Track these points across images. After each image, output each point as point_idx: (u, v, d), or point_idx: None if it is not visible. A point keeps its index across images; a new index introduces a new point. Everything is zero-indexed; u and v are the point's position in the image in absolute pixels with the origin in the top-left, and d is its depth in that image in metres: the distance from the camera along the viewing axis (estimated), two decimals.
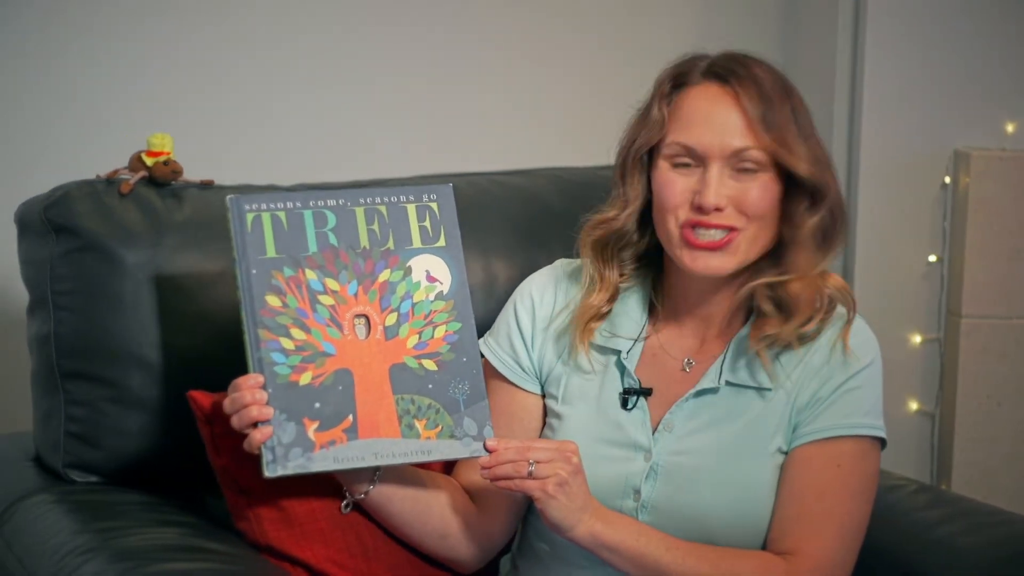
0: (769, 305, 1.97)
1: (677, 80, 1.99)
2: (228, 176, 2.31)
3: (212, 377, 2.05)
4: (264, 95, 3.05)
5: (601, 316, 2.06)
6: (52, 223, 2.15)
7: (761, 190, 1.94)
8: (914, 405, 3.46)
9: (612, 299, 2.06)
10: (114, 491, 2.16)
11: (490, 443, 1.89)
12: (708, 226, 1.94)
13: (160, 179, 2.23)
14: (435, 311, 1.94)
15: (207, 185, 2.28)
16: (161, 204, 2.20)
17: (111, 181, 2.21)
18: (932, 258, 3.43)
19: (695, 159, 1.95)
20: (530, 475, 1.85)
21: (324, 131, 3.11)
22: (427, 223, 1.95)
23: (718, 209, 1.93)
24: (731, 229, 1.94)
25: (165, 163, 2.23)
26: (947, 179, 3.40)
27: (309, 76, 3.08)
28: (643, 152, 2.00)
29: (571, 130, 3.25)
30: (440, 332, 1.93)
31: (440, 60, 3.21)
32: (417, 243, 1.94)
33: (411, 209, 1.95)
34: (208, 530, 2.04)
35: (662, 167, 1.98)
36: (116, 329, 2.14)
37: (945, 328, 3.43)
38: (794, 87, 2.00)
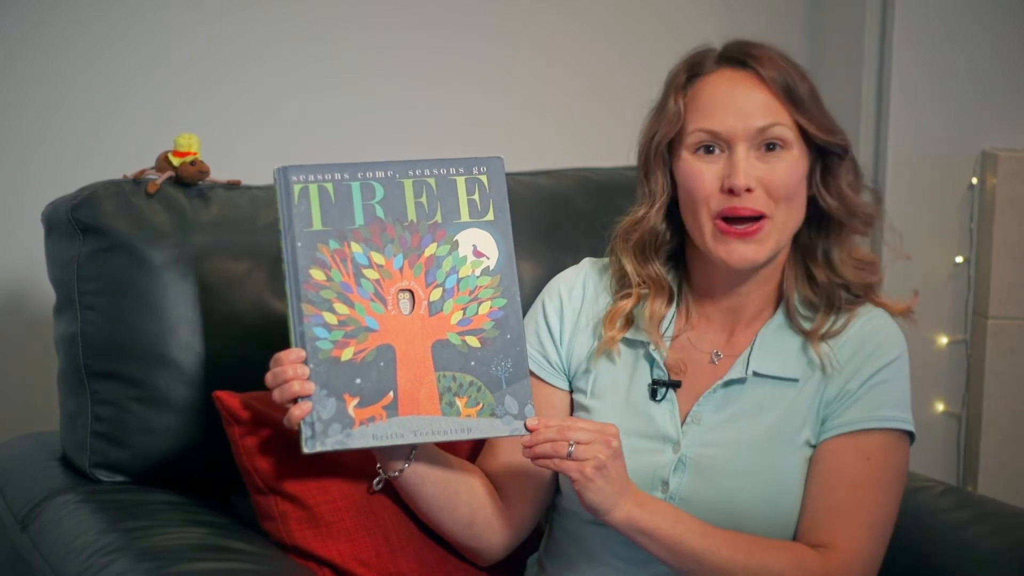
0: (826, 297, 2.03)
1: (692, 71, 2.01)
2: (255, 177, 2.31)
3: (238, 377, 2.06)
4: (289, 96, 3.05)
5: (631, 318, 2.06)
6: (79, 223, 2.16)
7: (788, 168, 1.96)
8: (940, 406, 3.45)
9: (671, 297, 2.06)
10: (140, 491, 2.16)
11: (531, 423, 1.88)
12: (739, 211, 1.95)
13: (187, 179, 2.23)
14: (480, 287, 1.91)
15: (234, 185, 2.28)
16: (188, 204, 2.20)
17: (138, 181, 2.22)
18: (959, 259, 3.42)
19: (720, 144, 1.96)
20: (569, 456, 1.84)
21: (350, 133, 3.10)
22: (476, 196, 1.92)
23: (748, 190, 1.94)
24: (761, 216, 1.95)
25: (192, 163, 2.23)
26: (974, 180, 3.39)
27: (336, 78, 3.09)
28: (663, 146, 2.00)
29: (597, 131, 3.24)
30: (485, 308, 1.91)
31: (467, 60, 3.21)
32: (465, 217, 1.92)
33: (460, 182, 1.92)
34: (234, 530, 2.04)
35: (685, 158, 1.98)
36: (143, 329, 2.14)
37: (972, 329, 3.41)
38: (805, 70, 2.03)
